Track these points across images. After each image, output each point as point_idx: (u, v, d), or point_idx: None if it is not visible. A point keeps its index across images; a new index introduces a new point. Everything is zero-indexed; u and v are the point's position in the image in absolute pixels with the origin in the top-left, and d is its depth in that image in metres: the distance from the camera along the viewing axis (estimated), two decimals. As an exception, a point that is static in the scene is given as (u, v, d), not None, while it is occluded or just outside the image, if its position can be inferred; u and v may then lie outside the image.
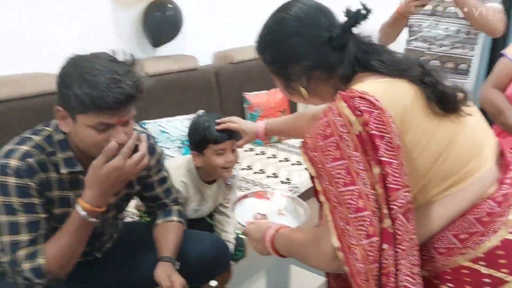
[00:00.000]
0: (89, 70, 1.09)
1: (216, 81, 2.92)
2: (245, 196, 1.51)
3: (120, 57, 1.17)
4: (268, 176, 2.57)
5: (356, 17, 1.01)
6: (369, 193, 0.89)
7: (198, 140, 1.65)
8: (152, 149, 1.42)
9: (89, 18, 2.38)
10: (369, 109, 0.90)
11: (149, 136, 1.42)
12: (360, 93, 0.93)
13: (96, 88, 1.07)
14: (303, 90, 1.07)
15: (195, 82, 2.78)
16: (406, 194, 0.90)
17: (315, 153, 0.93)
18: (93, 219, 1.18)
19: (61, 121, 1.17)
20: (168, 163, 1.90)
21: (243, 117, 3.00)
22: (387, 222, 0.89)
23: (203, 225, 1.87)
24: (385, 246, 0.89)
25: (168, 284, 1.31)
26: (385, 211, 0.89)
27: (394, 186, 0.89)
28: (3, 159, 1.16)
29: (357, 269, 0.88)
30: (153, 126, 2.43)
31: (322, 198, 0.94)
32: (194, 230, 1.63)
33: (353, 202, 0.89)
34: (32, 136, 1.22)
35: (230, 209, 1.52)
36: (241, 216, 1.38)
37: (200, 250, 1.51)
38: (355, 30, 1.03)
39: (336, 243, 0.91)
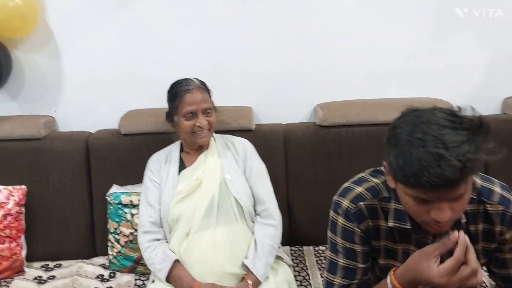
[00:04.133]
0: (412, 138, 0.94)
1: None
2: None
3: (468, 114, 0.97)
4: None
5: None
6: None
7: None
8: (506, 219, 1.14)
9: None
10: None
11: (508, 203, 1.13)
12: None
13: (411, 164, 0.92)
14: None
15: None
16: None
17: None
18: None
19: (388, 176, 1.10)
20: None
21: None
22: None
23: None
24: None
25: None
26: None
27: None
28: (339, 196, 1.21)
29: None
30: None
31: None
32: None
33: None
34: (371, 177, 1.21)
35: None
36: None
37: None
38: None
39: None
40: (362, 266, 1.18)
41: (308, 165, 2.05)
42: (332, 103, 2.12)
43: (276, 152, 2.02)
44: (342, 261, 1.19)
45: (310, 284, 1.79)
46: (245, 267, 1.57)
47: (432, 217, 0.98)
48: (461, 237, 0.97)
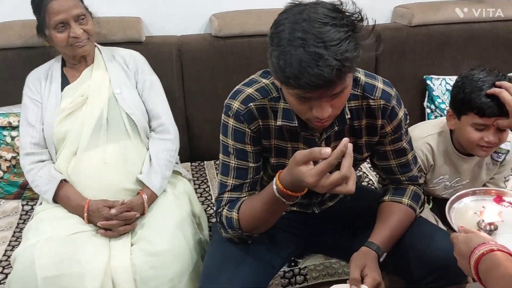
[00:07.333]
0: (293, 37, 0.92)
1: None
2: (476, 193, 1.19)
3: (350, 8, 0.97)
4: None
5: None
6: None
7: (459, 100, 1.35)
8: (392, 113, 1.20)
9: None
10: None
11: (389, 97, 1.19)
12: None
13: (291, 66, 0.91)
14: None
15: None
16: None
17: None
18: (286, 201, 1.05)
19: (272, 74, 1.08)
20: (422, 123, 1.68)
21: None
22: None
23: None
24: None
25: (355, 276, 1.10)
26: None
27: None
28: (230, 99, 1.19)
29: None
30: (439, 82, 2.09)
31: None
32: (430, 224, 1.33)
33: None
34: (261, 78, 1.19)
35: (447, 206, 1.18)
36: (458, 216, 1.09)
37: (433, 248, 1.18)
38: None
39: None
40: (253, 165, 1.19)
41: (206, 79, 1.98)
42: (228, 13, 2.02)
43: (170, 66, 1.92)
44: (234, 162, 1.19)
45: (210, 195, 1.80)
46: (140, 182, 1.52)
47: (314, 114, 1.00)
48: (343, 143, 0.94)
